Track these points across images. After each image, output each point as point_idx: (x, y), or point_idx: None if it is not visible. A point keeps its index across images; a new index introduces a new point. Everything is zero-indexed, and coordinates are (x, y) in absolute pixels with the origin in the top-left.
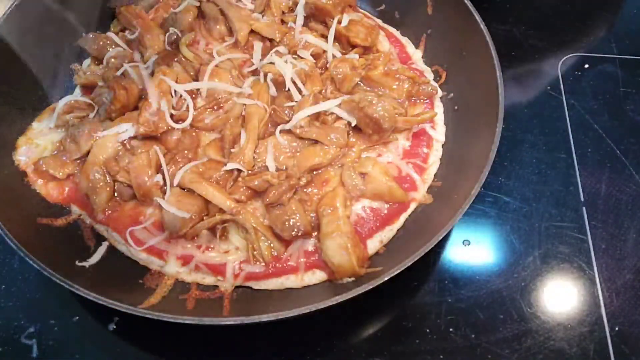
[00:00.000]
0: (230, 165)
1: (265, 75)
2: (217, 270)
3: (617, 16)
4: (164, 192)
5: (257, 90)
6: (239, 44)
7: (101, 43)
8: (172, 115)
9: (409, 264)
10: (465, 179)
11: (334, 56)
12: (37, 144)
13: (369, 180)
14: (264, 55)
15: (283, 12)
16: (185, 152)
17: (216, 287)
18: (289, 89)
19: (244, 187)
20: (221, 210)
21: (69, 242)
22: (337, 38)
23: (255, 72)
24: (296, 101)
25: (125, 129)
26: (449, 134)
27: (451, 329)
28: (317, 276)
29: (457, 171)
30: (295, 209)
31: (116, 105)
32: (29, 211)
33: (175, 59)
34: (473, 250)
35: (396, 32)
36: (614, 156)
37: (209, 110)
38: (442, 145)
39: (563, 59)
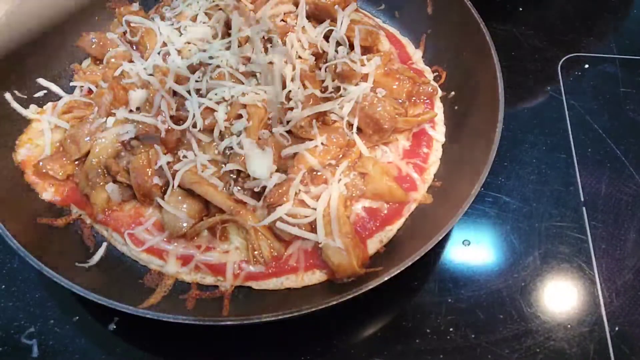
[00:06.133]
0: (230, 166)
1: (266, 75)
2: (217, 270)
3: (617, 16)
4: (164, 193)
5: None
6: (238, 44)
7: (101, 43)
8: (172, 117)
9: (409, 264)
10: (465, 179)
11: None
12: (37, 144)
13: (369, 180)
14: None
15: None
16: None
17: (216, 287)
18: (290, 90)
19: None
20: (221, 211)
21: (69, 242)
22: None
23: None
24: (296, 101)
25: (126, 130)
26: (449, 134)
27: (451, 329)
28: (317, 276)
29: (457, 171)
30: None
31: (116, 105)
32: (29, 211)
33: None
34: (473, 250)
35: (396, 32)
36: (614, 156)
37: (208, 110)
38: (442, 145)
39: (563, 59)
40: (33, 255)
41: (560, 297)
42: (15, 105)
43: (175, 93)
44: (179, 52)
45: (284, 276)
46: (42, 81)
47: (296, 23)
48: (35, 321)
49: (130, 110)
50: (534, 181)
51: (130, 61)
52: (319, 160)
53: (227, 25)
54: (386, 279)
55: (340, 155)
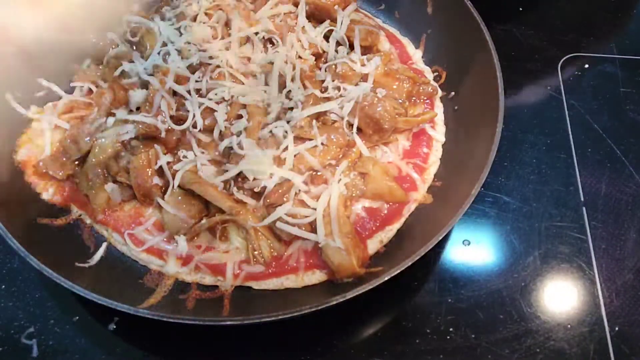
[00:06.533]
0: (229, 167)
1: (266, 75)
2: (217, 270)
3: (617, 16)
4: (164, 193)
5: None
6: (238, 44)
7: (101, 43)
8: (172, 117)
9: (409, 264)
10: (465, 179)
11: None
12: (37, 144)
13: (369, 180)
14: None
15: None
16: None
17: (216, 287)
18: (290, 90)
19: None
20: (221, 211)
21: (69, 242)
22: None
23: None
24: (296, 101)
25: (126, 130)
26: (449, 134)
27: (451, 329)
28: (317, 276)
29: (457, 171)
30: None
31: (116, 105)
32: (29, 211)
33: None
34: (473, 250)
35: (396, 32)
36: (614, 156)
37: (208, 110)
38: (442, 145)
39: (563, 59)
40: (33, 255)
41: (560, 297)
42: (15, 105)
43: (175, 93)
44: (179, 52)
45: (284, 276)
46: (42, 81)
47: (296, 23)
48: (35, 321)
49: (130, 110)
50: (534, 181)
51: (131, 61)
52: (319, 160)
53: (227, 25)
54: (386, 279)
55: (340, 155)
